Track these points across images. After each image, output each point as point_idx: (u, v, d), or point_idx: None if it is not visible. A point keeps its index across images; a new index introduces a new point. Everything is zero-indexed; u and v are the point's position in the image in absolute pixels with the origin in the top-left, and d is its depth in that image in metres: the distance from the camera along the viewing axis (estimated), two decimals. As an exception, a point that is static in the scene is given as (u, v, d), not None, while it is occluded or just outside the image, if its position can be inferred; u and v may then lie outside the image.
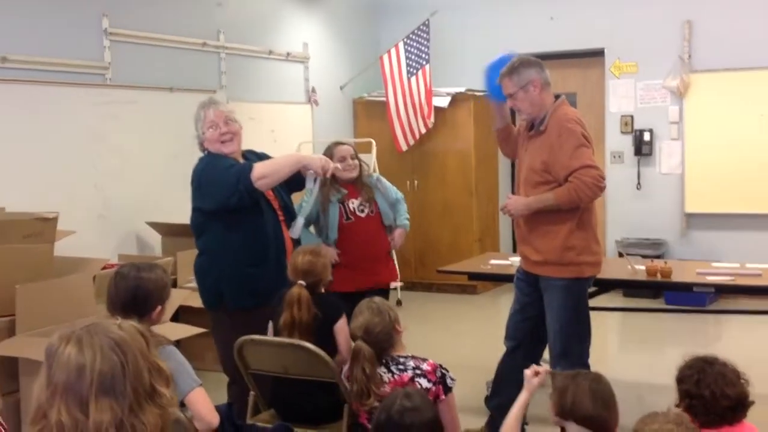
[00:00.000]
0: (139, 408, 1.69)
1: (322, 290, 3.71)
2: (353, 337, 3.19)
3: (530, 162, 4.09)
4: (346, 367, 3.33)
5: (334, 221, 4.55)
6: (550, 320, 4.15)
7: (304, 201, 4.35)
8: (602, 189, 3.95)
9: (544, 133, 4.03)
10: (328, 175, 4.07)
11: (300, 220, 4.11)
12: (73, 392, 1.65)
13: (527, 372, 2.86)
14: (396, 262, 4.83)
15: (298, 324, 3.53)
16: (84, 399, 1.65)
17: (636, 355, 6.45)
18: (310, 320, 3.54)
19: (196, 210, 4.00)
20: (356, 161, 4.67)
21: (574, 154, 3.91)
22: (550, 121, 4.01)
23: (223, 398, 3.84)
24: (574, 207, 3.96)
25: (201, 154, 4.10)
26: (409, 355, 3.22)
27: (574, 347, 4.12)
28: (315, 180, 4.04)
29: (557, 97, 4.14)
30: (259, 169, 3.84)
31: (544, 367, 2.93)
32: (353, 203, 4.61)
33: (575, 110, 4.18)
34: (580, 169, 3.88)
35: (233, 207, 3.83)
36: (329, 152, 4.63)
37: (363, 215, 4.62)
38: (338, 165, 4.35)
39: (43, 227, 4.79)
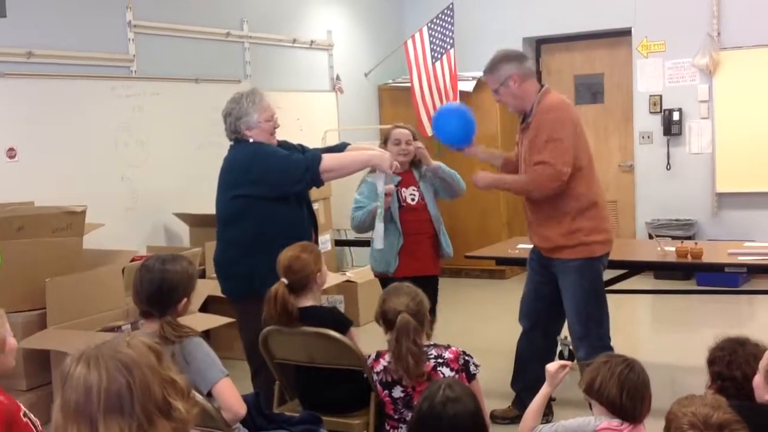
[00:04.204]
0: (150, 425, 1.69)
1: (318, 293, 3.52)
2: (394, 312, 3.06)
3: (524, 155, 4.17)
4: (373, 354, 3.31)
5: (395, 206, 4.52)
6: (567, 303, 4.18)
7: (379, 206, 4.27)
8: (554, 189, 4.00)
9: (531, 125, 4.10)
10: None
11: (380, 227, 4.18)
12: (83, 412, 1.68)
13: (550, 368, 2.82)
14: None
15: (276, 323, 3.39)
16: (93, 419, 1.67)
17: (668, 337, 6.38)
18: (285, 320, 3.36)
19: (237, 197, 3.90)
20: (411, 147, 4.60)
21: (543, 148, 3.99)
22: (535, 113, 4.08)
23: (251, 388, 3.85)
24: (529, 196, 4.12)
25: (227, 143, 4.07)
26: (431, 343, 3.18)
27: (594, 330, 4.16)
28: (384, 181, 4.15)
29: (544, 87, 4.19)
30: (327, 161, 3.87)
31: (569, 362, 2.89)
32: (404, 191, 4.60)
33: (559, 96, 4.19)
34: (537, 165, 3.99)
35: (293, 194, 3.87)
36: (387, 134, 4.69)
37: (413, 203, 4.61)
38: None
39: (72, 220, 4.84)
